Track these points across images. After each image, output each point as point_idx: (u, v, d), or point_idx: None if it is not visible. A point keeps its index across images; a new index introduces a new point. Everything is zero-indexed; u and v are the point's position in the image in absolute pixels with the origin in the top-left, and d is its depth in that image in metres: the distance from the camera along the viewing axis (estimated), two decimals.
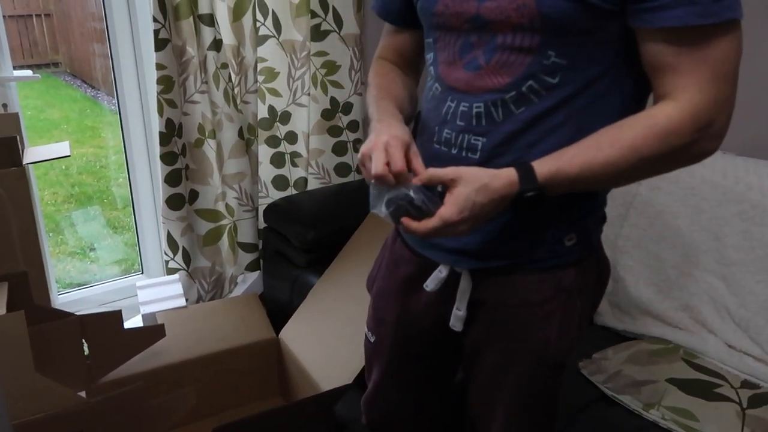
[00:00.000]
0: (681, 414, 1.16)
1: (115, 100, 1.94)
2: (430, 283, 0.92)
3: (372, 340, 1.07)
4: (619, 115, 0.77)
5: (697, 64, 0.70)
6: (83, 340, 1.37)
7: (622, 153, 0.73)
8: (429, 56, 0.88)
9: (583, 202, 0.85)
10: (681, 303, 1.44)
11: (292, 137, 2.02)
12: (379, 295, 1.04)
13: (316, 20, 1.88)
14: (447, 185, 0.75)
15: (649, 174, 0.78)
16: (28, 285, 1.27)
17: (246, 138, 1.96)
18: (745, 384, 1.25)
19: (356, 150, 2.10)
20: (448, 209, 0.74)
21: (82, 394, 1.39)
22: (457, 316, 0.92)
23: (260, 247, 2.07)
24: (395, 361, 1.05)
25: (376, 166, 0.75)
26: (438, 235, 0.75)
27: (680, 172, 1.48)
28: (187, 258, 1.93)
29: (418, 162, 0.78)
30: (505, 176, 0.74)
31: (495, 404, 0.96)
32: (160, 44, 1.69)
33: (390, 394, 1.10)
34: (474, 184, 0.74)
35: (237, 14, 1.82)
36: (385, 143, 0.77)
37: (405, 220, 0.76)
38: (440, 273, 0.91)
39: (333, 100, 1.99)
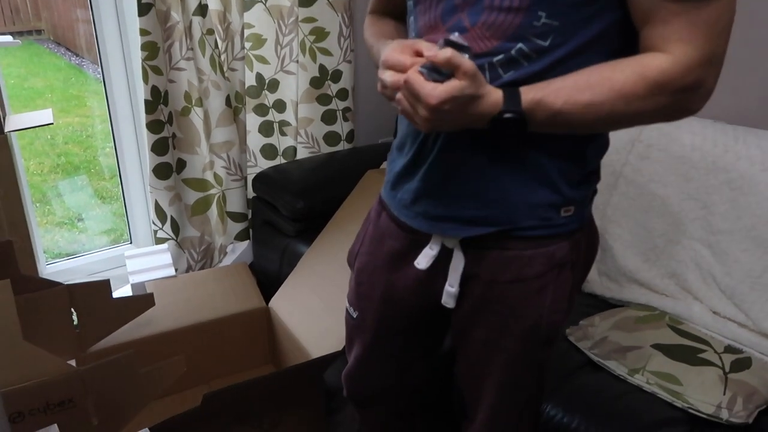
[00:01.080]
0: (665, 378, 1.19)
1: (100, 68, 1.90)
2: (421, 261, 0.90)
3: (354, 315, 1.05)
4: None
5: (690, 18, 0.68)
6: (72, 310, 1.36)
7: (609, 96, 0.71)
8: (410, 20, 0.86)
9: (584, 172, 0.84)
10: (668, 271, 1.45)
11: (280, 105, 2.00)
12: (363, 271, 1.02)
13: None
14: (455, 72, 0.71)
15: (629, 123, 0.76)
16: (14, 254, 1.26)
17: (234, 106, 1.93)
18: (728, 349, 1.27)
19: (345, 119, 2.07)
20: (440, 91, 0.70)
21: (72, 362, 1.39)
22: (449, 293, 0.90)
23: (249, 216, 2.06)
24: (380, 337, 1.04)
25: (387, 82, 0.75)
26: (408, 98, 0.72)
27: (670, 140, 1.48)
28: (175, 228, 1.92)
29: (420, 46, 0.75)
30: (494, 97, 0.73)
31: (485, 378, 0.96)
32: (143, 9, 1.65)
33: (373, 370, 1.09)
34: (478, 89, 0.71)
35: None
36: (383, 66, 0.76)
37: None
38: (431, 250, 0.89)
39: (322, 68, 1.96)
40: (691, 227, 1.42)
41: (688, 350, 1.26)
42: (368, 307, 1.02)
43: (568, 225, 0.85)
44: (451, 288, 0.89)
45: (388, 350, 1.05)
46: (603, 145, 0.87)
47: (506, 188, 0.82)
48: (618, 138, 1.54)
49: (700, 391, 1.15)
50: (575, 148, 0.83)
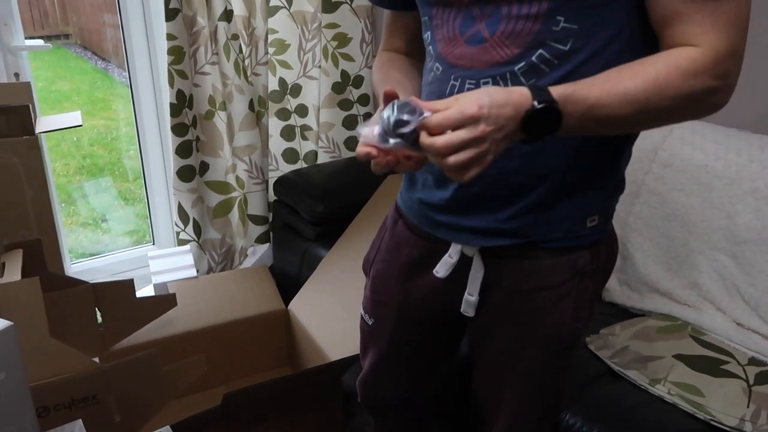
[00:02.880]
0: (687, 389, 1.17)
1: (126, 72, 1.94)
2: (440, 269, 0.89)
3: (369, 322, 1.04)
4: None
5: (711, 13, 0.68)
6: (96, 308, 1.39)
7: (645, 86, 0.69)
8: (426, 35, 0.84)
9: (613, 185, 0.84)
10: (690, 281, 1.43)
11: (302, 110, 2.02)
12: (379, 279, 1.01)
13: None
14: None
15: (663, 119, 0.74)
16: (42, 252, 1.29)
17: (256, 110, 1.95)
18: (753, 361, 1.25)
19: None
20: (462, 102, 0.65)
21: (96, 359, 1.41)
22: (468, 302, 0.89)
23: (270, 219, 2.08)
24: (395, 345, 1.03)
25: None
26: (457, 143, 0.65)
27: (693, 149, 1.46)
28: (197, 229, 1.94)
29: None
30: (518, 91, 0.68)
31: (503, 386, 0.95)
32: (170, 14, 1.68)
33: (388, 376, 1.08)
34: (481, 90, 0.68)
35: None
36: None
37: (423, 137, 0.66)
38: (450, 258, 0.88)
39: (344, 73, 1.98)
40: (714, 237, 1.40)
41: (711, 361, 1.25)
42: (384, 315, 1.02)
43: (593, 235, 0.85)
44: (471, 297, 0.89)
45: (403, 357, 1.05)
46: (630, 155, 0.87)
47: (537, 205, 0.82)
48: (640, 147, 1.53)
49: (723, 403, 1.13)
50: (608, 161, 0.82)
